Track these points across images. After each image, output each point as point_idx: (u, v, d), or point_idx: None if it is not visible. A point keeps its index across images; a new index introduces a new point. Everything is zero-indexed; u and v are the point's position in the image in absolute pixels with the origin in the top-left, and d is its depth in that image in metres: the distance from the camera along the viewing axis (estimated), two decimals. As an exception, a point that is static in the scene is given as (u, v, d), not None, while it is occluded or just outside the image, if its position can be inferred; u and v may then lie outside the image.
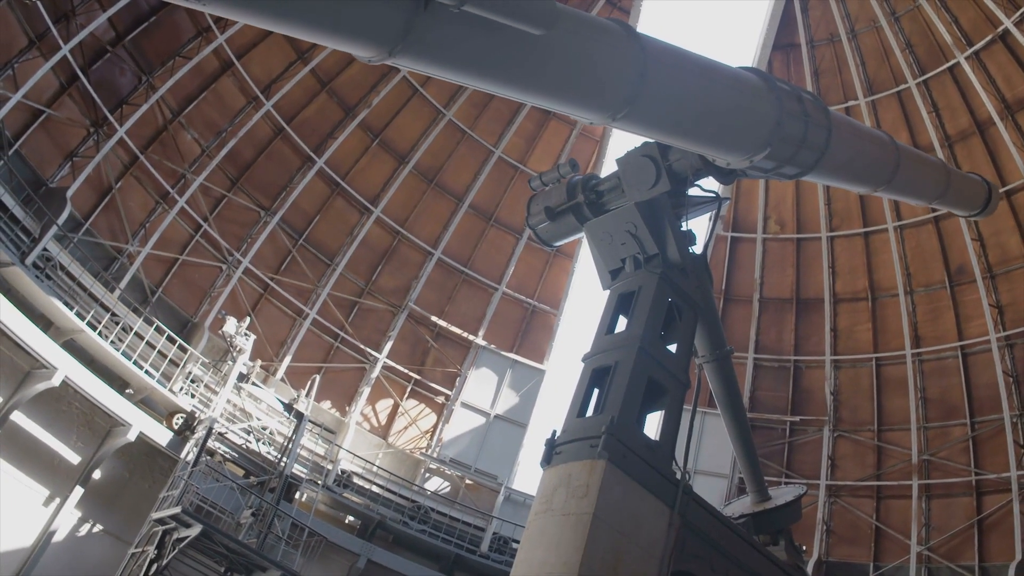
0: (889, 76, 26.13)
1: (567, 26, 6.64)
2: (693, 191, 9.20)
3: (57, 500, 19.01)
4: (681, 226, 9.03)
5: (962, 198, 11.59)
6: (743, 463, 11.13)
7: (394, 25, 5.80)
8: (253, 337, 22.18)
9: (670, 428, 7.90)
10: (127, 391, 19.96)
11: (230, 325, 21.54)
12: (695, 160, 8.86)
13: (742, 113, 8.39)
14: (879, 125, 26.13)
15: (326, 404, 26.57)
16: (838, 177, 9.93)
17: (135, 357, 20.17)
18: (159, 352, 21.09)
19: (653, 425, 8.41)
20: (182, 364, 21.57)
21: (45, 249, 19.46)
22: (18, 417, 18.35)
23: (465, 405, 28.39)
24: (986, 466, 23.92)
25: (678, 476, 7.59)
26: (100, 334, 19.58)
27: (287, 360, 25.95)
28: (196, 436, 20.08)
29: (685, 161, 8.88)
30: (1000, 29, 23.15)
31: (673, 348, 8.38)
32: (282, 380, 25.44)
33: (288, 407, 22.79)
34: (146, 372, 20.25)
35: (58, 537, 18.92)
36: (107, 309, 20.56)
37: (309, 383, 23.89)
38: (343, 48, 6.30)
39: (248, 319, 22.85)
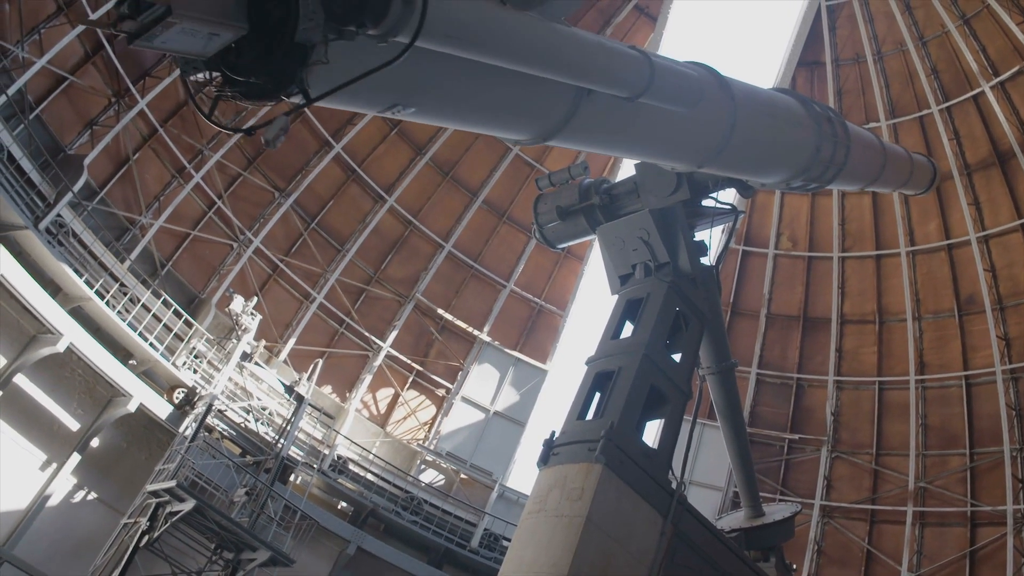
0: (912, 100, 26.03)
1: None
2: (708, 202, 9.21)
3: (54, 465, 19.09)
4: (694, 236, 9.03)
5: (918, 182, 12.25)
6: (739, 477, 11.12)
7: (559, 115, 6.38)
8: (259, 317, 22.20)
9: (669, 437, 7.88)
10: (130, 362, 20.03)
11: (237, 303, 21.58)
12: None
13: (792, 144, 8.88)
14: (899, 149, 26.03)
15: (327, 389, 26.61)
16: (841, 184, 10.22)
17: (140, 329, 20.23)
18: (165, 325, 21.14)
19: (652, 433, 8.41)
20: (187, 339, 21.63)
21: (59, 215, 19.51)
22: (21, 380, 18.42)
23: (465, 400, 28.40)
24: (982, 498, 23.82)
25: (673, 486, 7.58)
26: (107, 303, 19.64)
27: (291, 342, 26.00)
28: (196, 411, 20.14)
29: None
30: (1028, 61, 23.08)
31: (677, 357, 8.38)
32: (285, 362, 25.49)
33: (289, 389, 22.82)
34: (150, 344, 20.31)
35: (52, 502, 19.00)
36: (116, 279, 20.62)
37: (311, 367, 23.93)
38: (505, 136, 6.94)
39: (255, 299, 22.90)
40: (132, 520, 17.97)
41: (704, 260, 9.03)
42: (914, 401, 25.58)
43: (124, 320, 19.88)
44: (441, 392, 28.45)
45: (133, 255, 22.28)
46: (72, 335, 18.18)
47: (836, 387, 27.14)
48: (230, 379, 21.59)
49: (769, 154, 8.71)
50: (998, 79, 23.84)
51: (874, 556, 24.90)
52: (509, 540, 23.55)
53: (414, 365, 28.13)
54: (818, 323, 27.94)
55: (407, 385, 28.13)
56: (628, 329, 8.36)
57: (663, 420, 8.02)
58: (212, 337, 22.39)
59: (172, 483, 17.30)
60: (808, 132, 8.78)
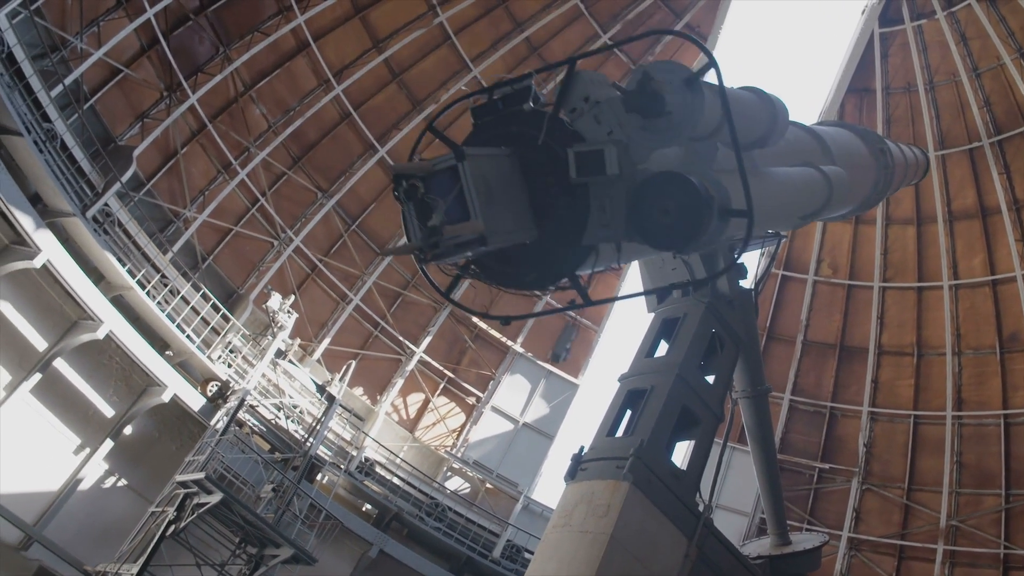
0: (963, 132, 25.66)
1: None
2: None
3: (87, 450, 19.35)
4: (734, 258, 8.98)
5: (917, 176, 12.87)
6: (767, 503, 10.98)
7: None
8: (295, 315, 22.37)
9: (698, 459, 7.81)
10: (167, 352, 20.25)
11: (274, 301, 21.77)
12: None
13: (862, 186, 9.44)
14: (947, 180, 25.72)
15: (358, 390, 26.72)
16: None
17: (179, 321, 20.48)
18: (202, 319, 21.38)
19: (681, 453, 8.33)
20: (223, 333, 21.84)
21: (106, 204, 19.86)
22: (60, 364, 18.72)
23: (495, 409, 28.36)
24: (1017, 541, 23.31)
25: (700, 508, 7.50)
26: (148, 294, 19.90)
27: (326, 342, 26.15)
28: (228, 405, 20.30)
29: None
30: (1084, 98, 22.69)
31: (711, 379, 8.30)
32: (318, 361, 25.64)
33: (321, 389, 22.94)
34: (187, 337, 20.54)
35: (84, 486, 19.26)
36: (158, 270, 20.91)
37: (344, 368, 24.04)
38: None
39: (292, 297, 23.06)
40: (160, 509, 18.14)
41: (743, 283, 8.97)
42: (950, 437, 25.13)
43: (163, 311, 20.13)
44: (471, 400, 28.46)
45: (176, 247, 22.60)
46: (112, 323, 18.45)
47: (870, 418, 26.75)
48: (263, 375, 21.76)
49: (847, 198, 9.05)
50: (1053, 114, 23.49)
51: (901, 593, 24.49)
52: (531, 552, 23.46)
53: (446, 372, 28.17)
54: (855, 352, 27.57)
55: (438, 391, 28.17)
56: (663, 348, 8.31)
57: (693, 441, 7.94)
58: (248, 333, 22.59)
59: (201, 475, 17.44)
60: (872, 171, 9.28)
